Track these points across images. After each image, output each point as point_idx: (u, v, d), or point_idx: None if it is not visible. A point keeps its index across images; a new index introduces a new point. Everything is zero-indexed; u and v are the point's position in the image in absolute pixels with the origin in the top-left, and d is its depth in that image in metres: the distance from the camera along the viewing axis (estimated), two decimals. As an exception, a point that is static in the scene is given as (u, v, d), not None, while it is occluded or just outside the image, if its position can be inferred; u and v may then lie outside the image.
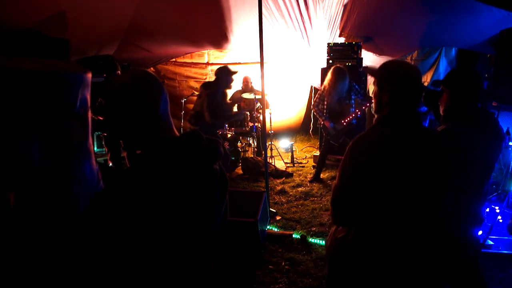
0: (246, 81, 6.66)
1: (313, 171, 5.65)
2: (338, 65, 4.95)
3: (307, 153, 6.99)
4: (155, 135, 1.15)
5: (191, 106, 7.40)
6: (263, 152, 4.86)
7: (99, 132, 5.73)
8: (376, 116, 1.60)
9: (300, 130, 8.25)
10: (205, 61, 7.49)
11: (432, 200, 1.54)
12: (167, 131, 1.18)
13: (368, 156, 1.49)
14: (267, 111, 6.03)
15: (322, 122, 5.09)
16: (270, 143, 6.26)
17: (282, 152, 6.77)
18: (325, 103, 4.96)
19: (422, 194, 1.52)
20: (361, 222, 1.55)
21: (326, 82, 4.88)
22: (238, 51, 7.09)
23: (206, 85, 4.80)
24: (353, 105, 5.00)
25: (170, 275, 1.13)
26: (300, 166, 6.19)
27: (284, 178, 5.53)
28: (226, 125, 5.94)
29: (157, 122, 1.16)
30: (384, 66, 1.60)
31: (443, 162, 1.53)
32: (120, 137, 1.17)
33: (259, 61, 3.72)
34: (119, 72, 4.64)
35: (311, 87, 7.25)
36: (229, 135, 5.85)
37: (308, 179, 5.41)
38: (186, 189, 1.13)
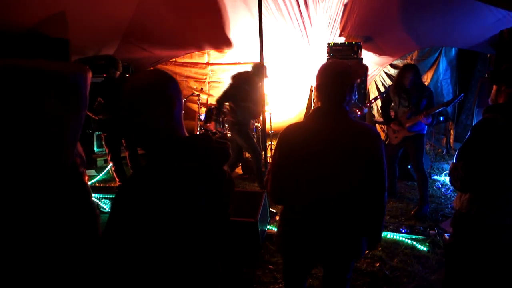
0: None
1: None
2: None
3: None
4: (167, 134, 1.16)
5: (191, 105, 7.42)
6: (263, 152, 4.87)
7: (99, 132, 5.73)
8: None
9: (300, 130, 8.24)
10: (205, 61, 7.49)
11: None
12: (177, 131, 1.20)
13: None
14: (267, 111, 6.03)
15: None
16: (270, 143, 6.26)
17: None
18: None
19: None
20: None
21: None
22: (238, 51, 7.10)
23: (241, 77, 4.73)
24: (351, 106, 4.99)
25: (180, 276, 1.14)
26: (300, 166, 6.18)
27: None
28: (227, 125, 5.95)
29: (171, 122, 1.17)
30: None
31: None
32: (129, 133, 1.18)
33: (259, 61, 3.72)
34: (119, 72, 4.63)
35: (311, 87, 7.25)
36: (229, 135, 5.85)
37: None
38: (199, 188, 1.13)
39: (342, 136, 1.67)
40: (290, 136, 1.74)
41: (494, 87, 2.03)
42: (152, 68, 7.44)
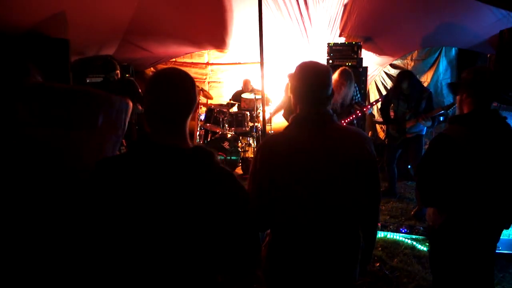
0: (245, 84, 6.71)
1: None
2: (345, 67, 4.85)
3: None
4: (141, 135, 1.19)
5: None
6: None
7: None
8: None
9: (300, 130, 8.23)
10: (205, 61, 7.49)
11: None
12: (155, 135, 1.17)
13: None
14: (267, 111, 6.03)
15: None
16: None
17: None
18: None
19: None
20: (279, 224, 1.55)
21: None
22: (238, 51, 7.10)
23: None
24: (354, 105, 4.97)
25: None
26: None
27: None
28: (227, 125, 5.95)
29: (151, 124, 1.18)
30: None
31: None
32: (129, 133, 1.26)
33: (259, 61, 3.72)
34: (118, 72, 4.63)
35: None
36: (229, 135, 5.85)
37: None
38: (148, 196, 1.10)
39: (331, 145, 1.47)
40: (272, 150, 1.48)
41: (458, 96, 1.97)
42: (152, 68, 7.45)
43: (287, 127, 1.55)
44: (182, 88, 1.16)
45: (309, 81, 1.52)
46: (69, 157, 1.39)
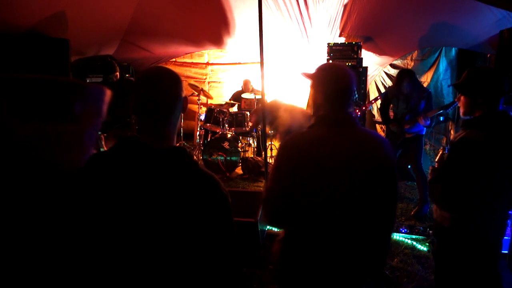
0: (245, 84, 6.71)
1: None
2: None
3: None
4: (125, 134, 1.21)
5: (191, 106, 7.41)
6: (263, 152, 4.87)
7: (99, 132, 5.73)
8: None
9: (300, 130, 8.23)
10: (205, 61, 7.49)
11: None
12: (142, 134, 1.17)
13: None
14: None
15: None
16: (270, 143, 6.26)
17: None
18: None
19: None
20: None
21: None
22: (238, 51, 7.10)
23: None
24: (353, 105, 4.98)
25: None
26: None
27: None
28: (227, 125, 5.95)
29: (136, 122, 1.20)
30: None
31: None
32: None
33: (259, 61, 3.72)
34: (117, 74, 4.64)
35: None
36: (229, 135, 5.85)
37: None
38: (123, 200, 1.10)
39: (353, 147, 1.48)
40: (296, 148, 1.49)
41: (464, 98, 1.90)
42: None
43: (311, 126, 1.57)
44: (160, 88, 1.15)
45: (340, 84, 1.54)
46: (50, 152, 1.34)
